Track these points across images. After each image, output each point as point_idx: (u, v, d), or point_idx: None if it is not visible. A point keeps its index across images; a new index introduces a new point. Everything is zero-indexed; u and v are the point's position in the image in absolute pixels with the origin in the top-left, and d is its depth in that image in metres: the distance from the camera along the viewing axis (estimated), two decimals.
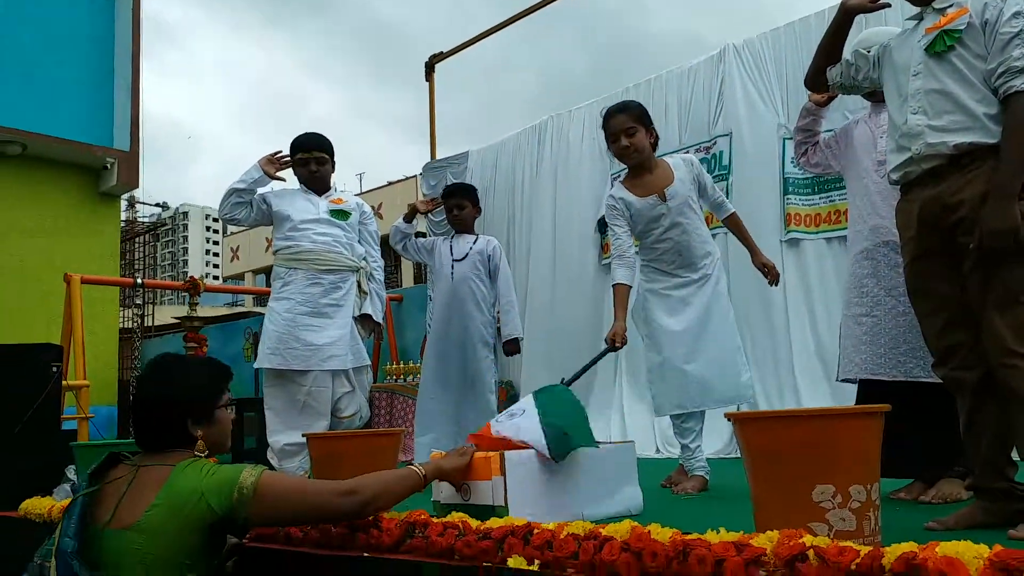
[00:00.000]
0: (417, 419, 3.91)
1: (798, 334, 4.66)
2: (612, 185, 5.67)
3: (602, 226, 5.65)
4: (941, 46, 1.94)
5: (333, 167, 3.60)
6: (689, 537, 1.37)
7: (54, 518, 2.61)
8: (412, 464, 1.94)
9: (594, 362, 3.08)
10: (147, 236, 11.95)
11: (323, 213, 3.48)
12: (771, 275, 3.10)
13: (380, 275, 3.68)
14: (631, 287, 3.02)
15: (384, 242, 3.91)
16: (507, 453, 2.05)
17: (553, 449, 2.12)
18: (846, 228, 4.40)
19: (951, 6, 1.98)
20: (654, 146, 3.11)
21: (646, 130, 3.03)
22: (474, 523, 1.72)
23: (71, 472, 2.98)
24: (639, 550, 1.38)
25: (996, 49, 1.86)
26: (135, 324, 9.75)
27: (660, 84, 5.68)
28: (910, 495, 2.40)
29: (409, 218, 4.00)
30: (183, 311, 6.51)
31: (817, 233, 4.72)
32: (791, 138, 4.77)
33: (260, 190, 3.47)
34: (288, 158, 3.50)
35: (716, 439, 4.32)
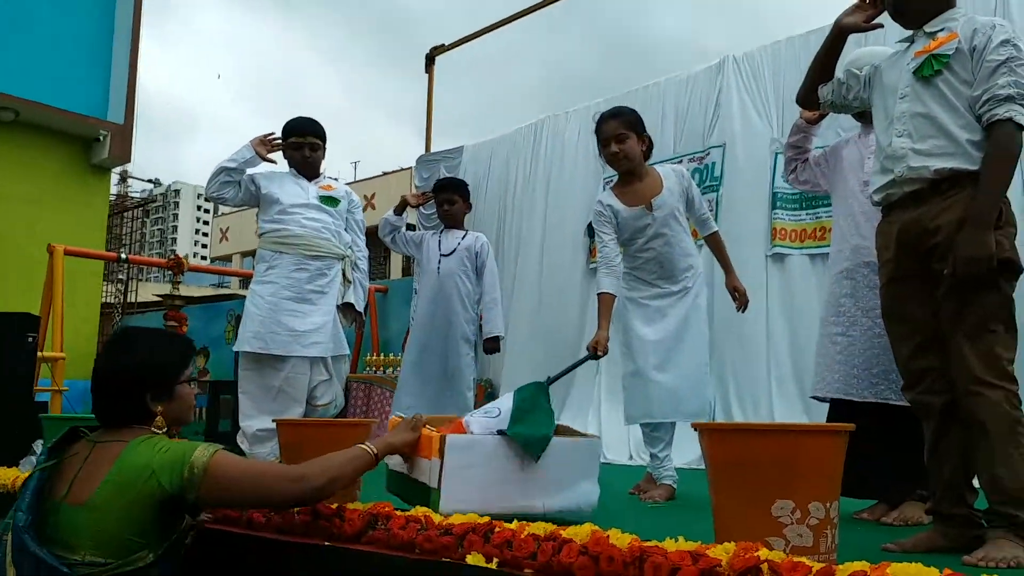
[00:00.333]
0: (394, 411, 3.91)
1: (776, 349, 4.68)
2: (604, 189, 5.71)
3: (592, 230, 5.66)
4: (929, 70, 1.95)
5: (324, 153, 3.59)
6: (647, 544, 1.38)
7: (16, 490, 2.60)
8: (363, 444, 1.90)
9: (575, 366, 3.06)
10: (137, 211, 11.89)
11: (313, 198, 3.46)
12: (740, 300, 3.10)
13: (364, 264, 3.68)
14: (616, 296, 3.02)
15: (373, 233, 3.90)
16: (449, 436, 2.01)
17: (530, 451, 2.09)
18: (830, 246, 4.45)
19: (942, 30, 1.99)
20: (647, 153, 3.11)
21: (638, 137, 3.03)
22: (437, 518, 1.72)
23: (38, 445, 2.96)
24: (596, 554, 1.39)
25: (982, 76, 1.87)
26: (117, 299, 9.69)
27: (659, 91, 5.69)
28: (872, 516, 2.41)
29: (399, 210, 4.00)
30: (166, 289, 6.47)
31: (801, 248, 4.74)
32: (783, 153, 4.81)
33: (249, 171, 3.45)
34: (280, 140, 3.49)
35: (689, 449, 4.34)
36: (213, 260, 29.28)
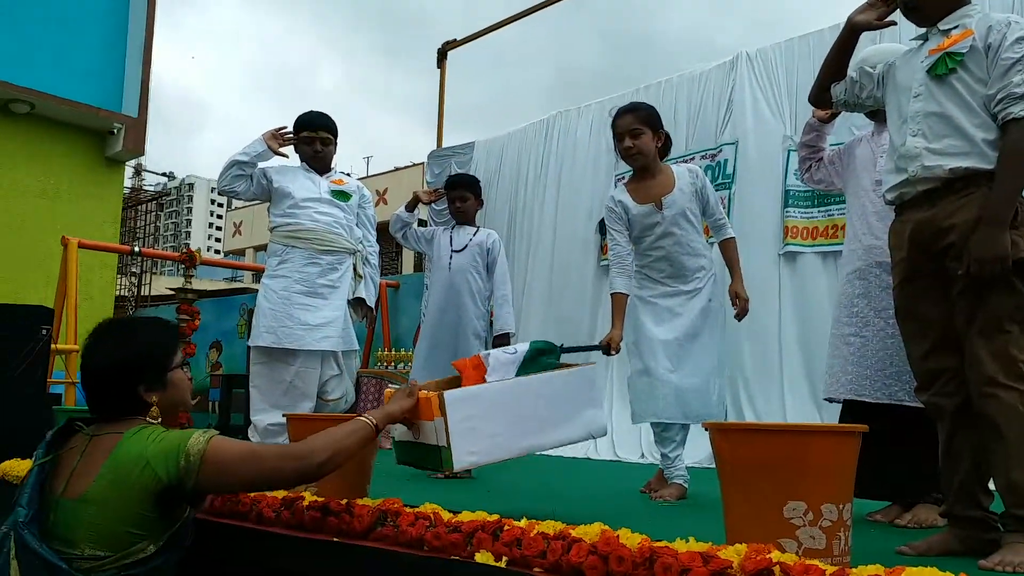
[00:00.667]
0: None
1: (788, 348, 4.65)
2: (616, 186, 5.69)
3: (603, 227, 5.64)
4: (943, 69, 1.92)
5: (336, 148, 3.59)
6: (657, 544, 1.37)
7: None
8: (362, 415, 1.89)
9: (587, 348, 3.10)
10: (150, 205, 11.95)
11: (325, 193, 3.46)
12: (739, 307, 3.03)
13: (375, 260, 3.68)
14: (628, 296, 3.00)
15: (384, 229, 3.91)
16: (447, 393, 2.00)
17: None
18: (841, 243, 4.42)
19: (956, 27, 1.96)
20: (664, 150, 3.09)
21: (654, 133, 3.01)
22: (446, 515, 1.72)
23: (50, 437, 2.97)
24: (606, 554, 1.38)
25: (997, 74, 1.84)
26: (131, 292, 9.75)
27: (671, 87, 5.66)
28: (886, 517, 2.39)
29: (411, 207, 4.00)
30: (180, 282, 6.50)
31: (813, 246, 4.71)
32: (795, 150, 4.77)
33: (261, 164, 3.46)
34: (292, 134, 3.49)
35: (700, 448, 4.32)
36: (226, 254, 29.43)
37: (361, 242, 3.57)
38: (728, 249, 3.13)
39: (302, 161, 3.55)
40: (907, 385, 2.34)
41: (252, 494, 2.08)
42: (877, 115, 2.61)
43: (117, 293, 9.41)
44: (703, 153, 5.29)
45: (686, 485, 2.92)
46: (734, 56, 5.33)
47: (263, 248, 25.88)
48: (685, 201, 3.00)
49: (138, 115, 8.47)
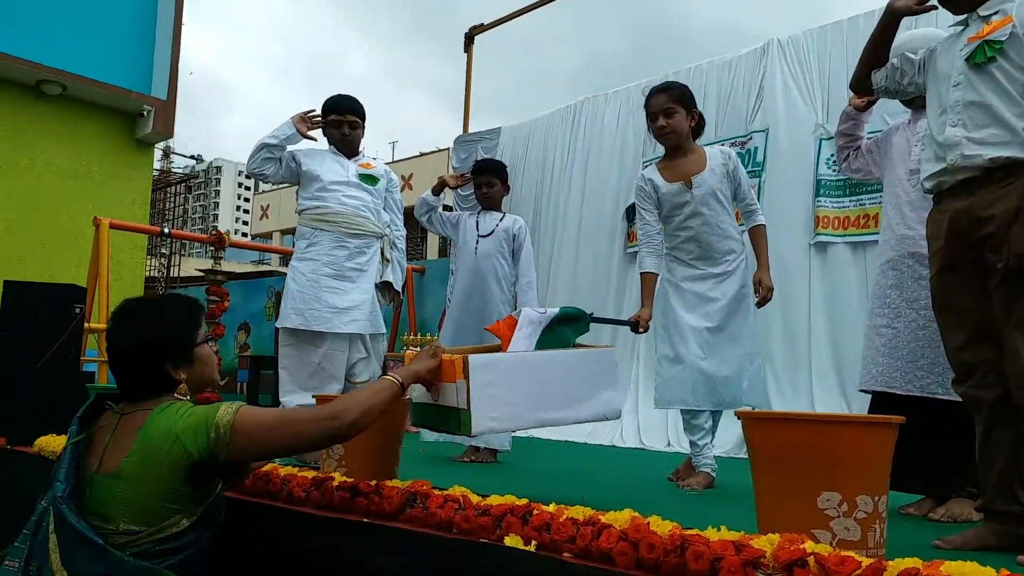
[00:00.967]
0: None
1: (817, 339, 4.60)
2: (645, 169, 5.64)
3: (630, 214, 5.60)
4: (981, 57, 1.88)
5: (363, 132, 3.59)
6: (689, 532, 1.36)
7: None
8: (388, 375, 1.89)
9: (615, 322, 3.23)
10: (179, 187, 12.06)
11: (353, 176, 3.47)
12: (762, 295, 2.98)
13: (402, 244, 3.69)
14: (658, 276, 2.99)
15: (409, 213, 3.91)
16: (472, 357, 2.01)
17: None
18: (873, 233, 4.35)
19: (996, 13, 1.91)
20: (697, 130, 3.07)
21: (687, 112, 3.00)
22: (475, 498, 1.72)
23: (81, 414, 3.02)
24: (637, 540, 1.37)
25: None
26: (160, 273, 9.87)
27: (701, 73, 5.59)
28: (919, 511, 2.36)
29: (437, 191, 4.00)
30: (208, 264, 6.57)
31: (844, 236, 4.64)
32: (827, 139, 4.70)
33: (290, 148, 3.47)
34: (320, 118, 3.50)
35: (728, 437, 4.30)
36: (253, 237, 29.68)
37: (388, 226, 3.57)
38: (757, 236, 3.10)
39: (330, 144, 3.56)
40: (940, 377, 2.31)
41: (282, 473, 2.10)
42: (913, 103, 2.57)
43: (147, 273, 9.54)
44: (733, 140, 5.22)
45: (714, 474, 2.91)
46: (765, 42, 5.25)
47: (290, 231, 26.08)
48: (715, 181, 2.97)
49: (167, 97, 8.55)
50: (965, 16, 2.01)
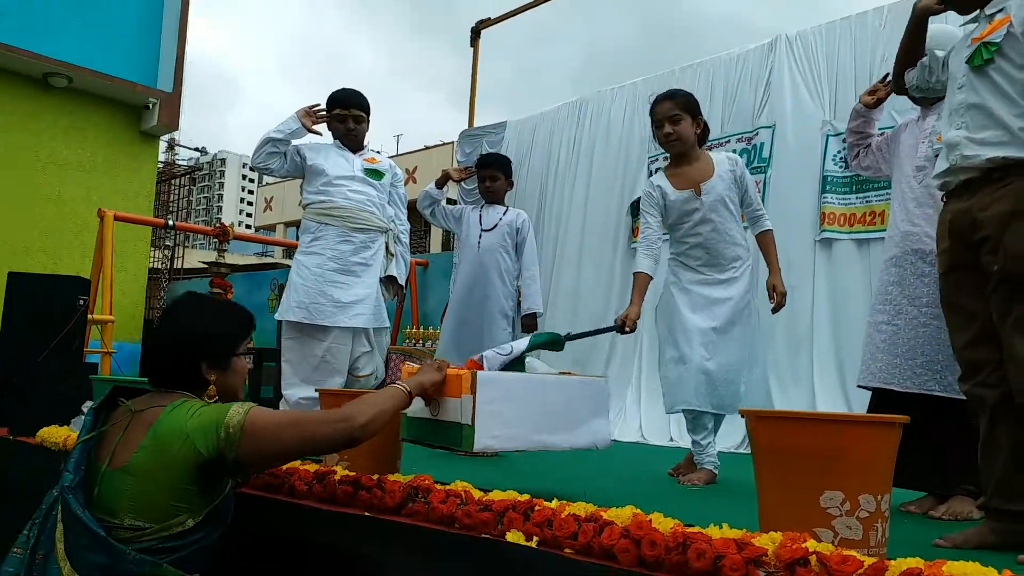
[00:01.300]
0: None
1: (820, 336, 4.59)
2: (648, 169, 5.63)
3: (635, 209, 5.59)
4: (979, 60, 1.87)
5: (368, 126, 3.59)
6: (690, 530, 1.36)
7: (69, 448, 2.67)
8: (396, 383, 1.91)
9: (597, 332, 3.15)
10: (183, 179, 12.07)
11: (358, 171, 3.47)
12: (777, 301, 2.99)
13: (406, 238, 3.69)
14: (652, 278, 2.98)
15: (413, 207, 3.90)
16: (480, 373, 2.03)
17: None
18: (879, 230, 4.34)
19: (1000, 11, 1.90)
20: (702, 137, 3.07)
21: (693, 119, 2.99)
22: (476, 493, 1.72)
23: (87, 406, 3.03)
24: (639, 538, 1.37)
25: None
26: (164, 265, 9.88)
27: (707, 69, 5.57)
28: (920, 509, 2.36)
29: (441, 184, 3.99)
30: (212, 256, 6.58)
31: (850, 233, 4.62)
32: (834, 135, 4.68)
33: (295, 142, 3.47)
34: (325, 112, 3.49)
35: (732, 434, 4.29)
36: (257, 229, 29.71)
37: (393, 220, 3.57)
38: (765, 241, 3.09)
39: (335, 139, 3.56)
40: (937, 375, 2.32)
41: (284, 467, 2.10)
42: (923, 100, 2.56)
43: (150, 265, 9.55)
44: (739, 136, 5.21)
45: (716, 471, 2.91)
46: (773, 38, 5.22)
47: (294, 224, 26.08)
48: (723, 188, 2.97)
49: (173, 90, 8.55)
50: (976, 14, 2.01)
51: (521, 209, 4.30)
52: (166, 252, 10.21)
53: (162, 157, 11.11)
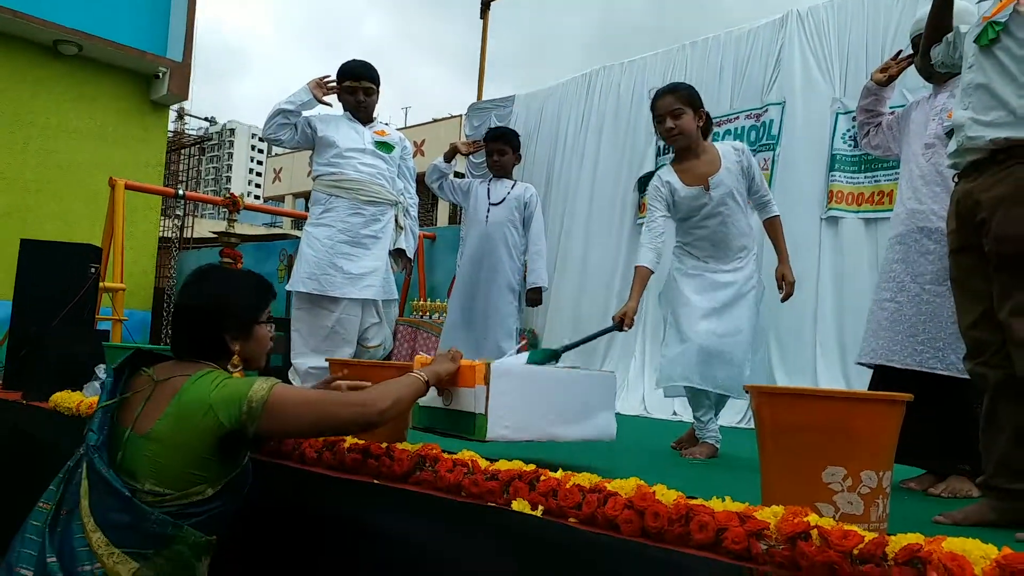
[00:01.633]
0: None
1: (823, 313, 4.60)
2: (657, 146, 5.60)
3: (642, 184, 5.58)
4: (985, 39, 1.86)
5: (378, 98, 3.59)
6: (694, 502, 1.38)
7: (82, 413, 2.71)
8: (414, 372, 1.95)
9: (596, 336, 3.14)
10: (193, 149, 12.06)
11: (368, 143, 3.47)
12: (786, 290, 2.99)
13: (415, 211, 3.70)
14: (653, 273, 2.95)
15: (421, 180, 3.91)
16: (495, 363, 2.07)
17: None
18: (887, 210, 4.32)
19: None
20: (705, 129, 3.03)
21: (695, 112, 2.95)
22: (483, 463, 1.75)
23: (100, 371, 3.07)
24: (642, 509, 1.40)
25: None
26: (174, 234, 9.91)
27: (717, 44, 5.53)
28: (920, 486, 2.38)
29: (449, 157, 3.99)
30: (221, 226, 6.60)
31: (857, 212, 4.61)
32: (844, 113, 4.65)
33: (305, 113, 3.47)
34: (336, 83, 3.49)
35: (735, 409, 4.32)
36: (266, 200, 29.69)
37: (402, 193, 3.58)
38: (773, 228, 3.08)
39: (345, 110, 3.56)
40: (939, 352, 2.33)
41: None
42: (933, 77, 2.54)
43: (160, 234, 9.58)
44: (748, 112, 5.17)
45: (717, 445, 2.93)
46: (784, 14, 5.17)
47: (302, 195, 26.06)
48: (732, 181, 2.95)
49: (182, 59, 8.52)
50: None
51: (529, 183, 4.30)
52: (176, 221, 10.24)
53: (172, 127, 11.10)
